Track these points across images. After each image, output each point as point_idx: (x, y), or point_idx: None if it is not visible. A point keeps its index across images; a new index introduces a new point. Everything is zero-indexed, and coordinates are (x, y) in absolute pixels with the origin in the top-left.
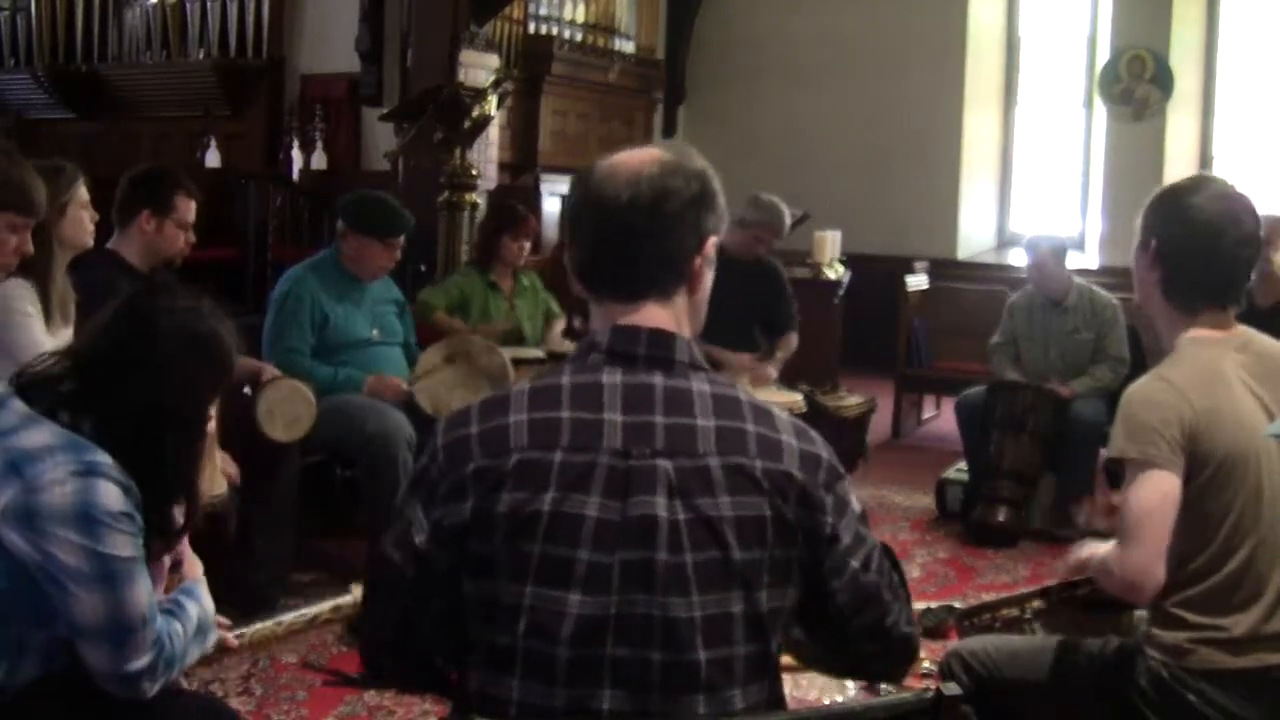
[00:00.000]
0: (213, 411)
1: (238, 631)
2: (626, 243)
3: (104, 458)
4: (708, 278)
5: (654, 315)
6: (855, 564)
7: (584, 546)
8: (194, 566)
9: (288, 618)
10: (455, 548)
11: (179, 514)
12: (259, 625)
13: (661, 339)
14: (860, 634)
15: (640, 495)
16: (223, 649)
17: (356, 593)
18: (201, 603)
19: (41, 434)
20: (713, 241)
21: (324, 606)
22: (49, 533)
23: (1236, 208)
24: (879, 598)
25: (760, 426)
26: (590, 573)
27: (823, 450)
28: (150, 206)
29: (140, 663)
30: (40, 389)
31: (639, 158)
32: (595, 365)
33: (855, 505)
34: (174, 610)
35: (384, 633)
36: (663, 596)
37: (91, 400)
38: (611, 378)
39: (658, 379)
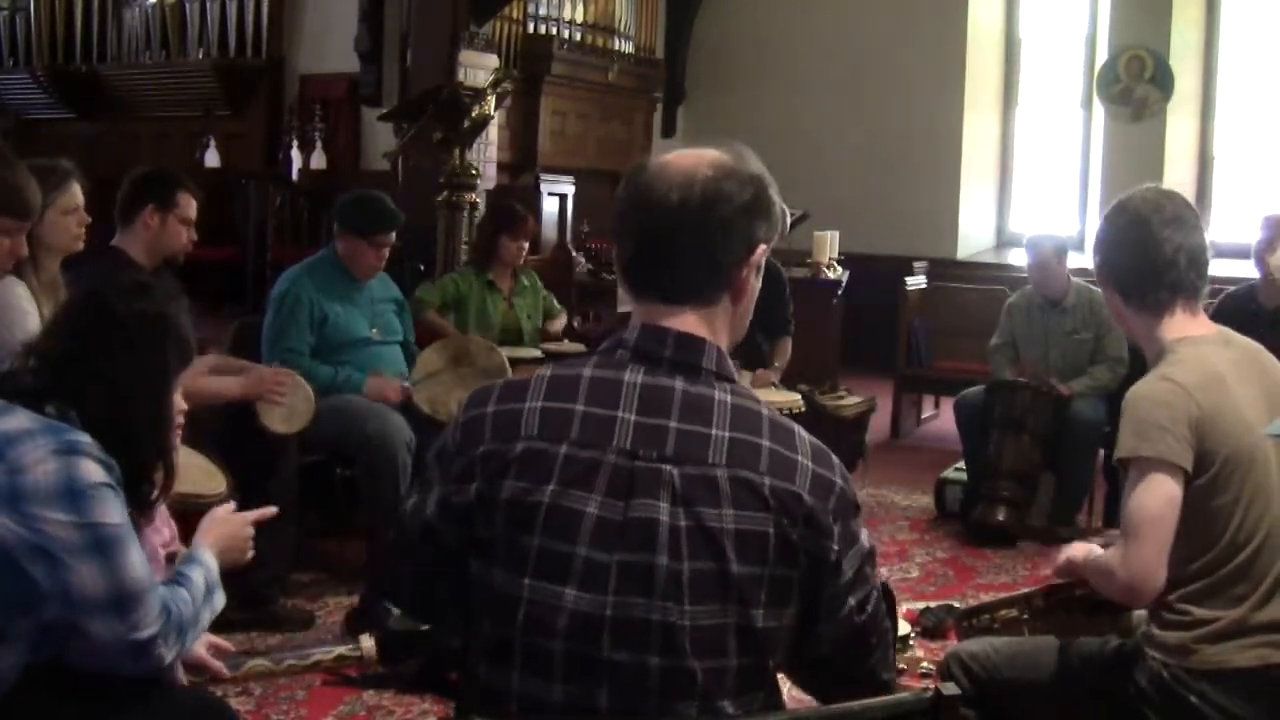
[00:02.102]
0: (183, 404)
1: (235, 661)
2: (672, 245)
3: (84, 437)
4: (754, 286)
5: (689, 321)
6: (852, 601)
7: (582, 543)
8: (203, 534)
9: (289, 658)
10: (461, 527)
11: (157, 481)
12: (258, 661)
13: (689, 344)
14: (839, 671)
15: (643, 498)
16: (214, 678)
17: (364, 645)
18: (206, 565)
19: (18, 419)
20: (762, 249)
21: (330, 652)
22: (38, 511)
23: (1159, 198)
24: (865, 641)
25: (776, 444)
26: (587, 569)
27: (838, 478)
28: (154, 201)
29: (150, 630)
30: (12, 385)
31: (693, 158)
32: (620, 362)
33: (865, 542)
34: (179, 580)
35: (400, 591)
36: (661, 601)
37: (63, 389)
38: (633, 376)
39: (679, 383)
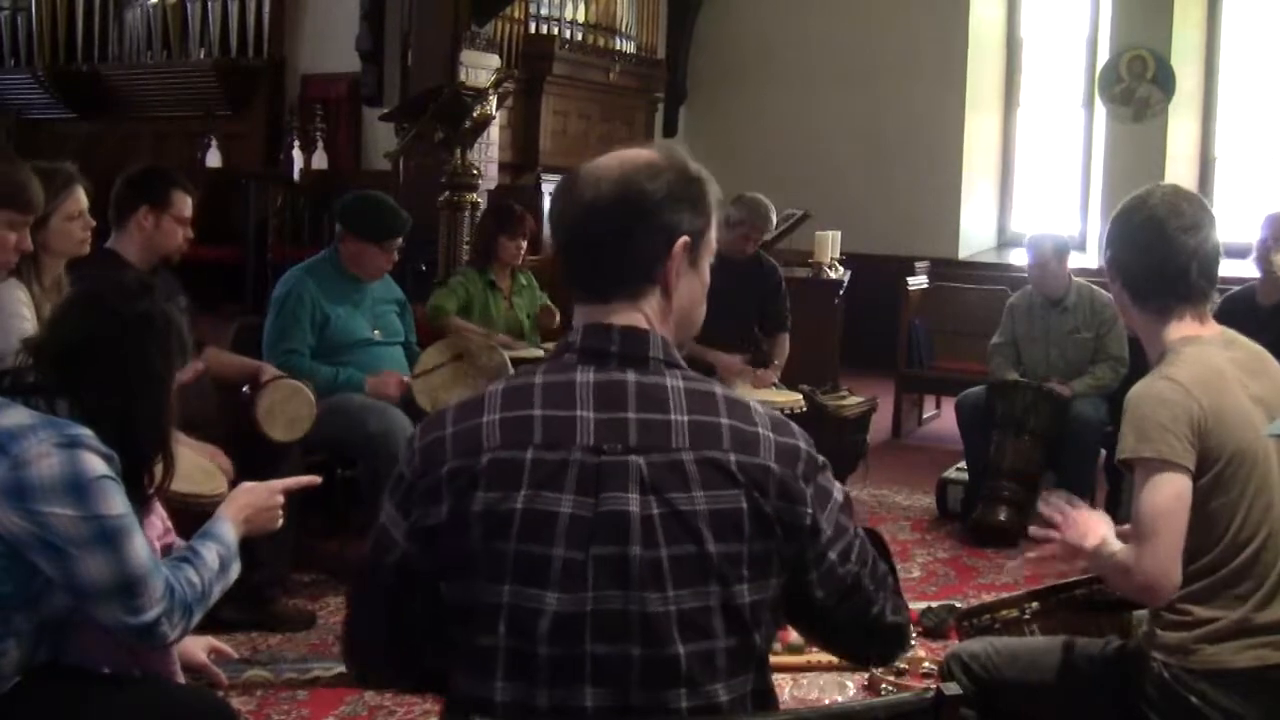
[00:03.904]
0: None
1: (236, 668)
2: (588, 244)
3: (84, 430)
4: (689, 280)
5: (625, 314)
6: (834, 555)
7: (559, 544)
8: (228, 504)
9: (289, 671)
10: (433, 550)
11: (156, 474)
12: (258, 671)
13: (634, 336)
14: (846, 624)
15: (612, 491)
16: (213, 684)
17: None
18: (221, 539)
19: (18, 414)
20: (685, 241)
21: (331, 669)
22: (43, 505)
23: (1178, 201)
24: (860, 587)
25: (735, 420)
26: (565, 570)
27: (801, 441)
28: (148, 202)
29: (153, 613)
30: (12, 382)
31: (612, 158)
32: (569, 364)
33: (837, 495)
34: (188, 557)
35: (375, 635)
36: (639, 591)
37: (64, 386)
38: (584, 376)
39: (630, 376)
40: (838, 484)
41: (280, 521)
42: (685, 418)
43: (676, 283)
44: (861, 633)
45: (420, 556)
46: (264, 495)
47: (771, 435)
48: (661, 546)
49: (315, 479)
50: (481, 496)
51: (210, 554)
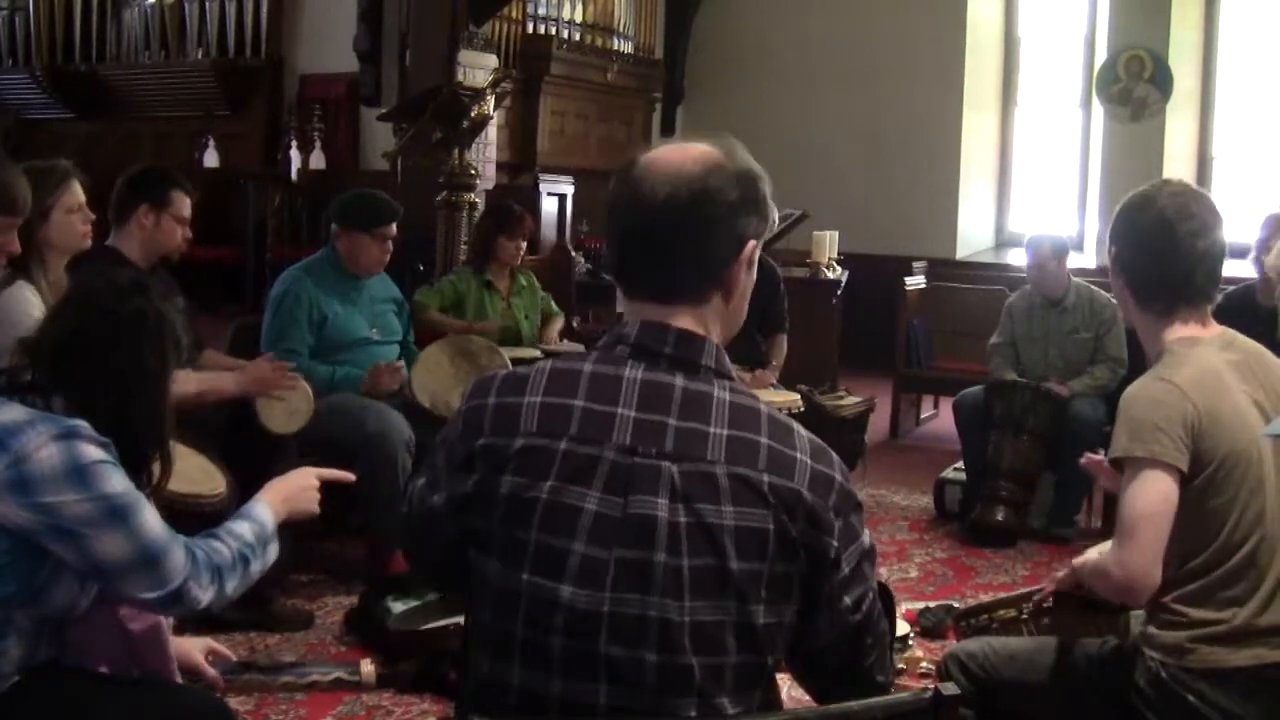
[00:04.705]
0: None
1: (233, 671)
2: (659, 244)
3: (79, 421)
4: (745, 283)
5: (684, 317)
6: (848, 600)
7: (580, 539)
8: (263, 491)
9: (286, 676)
10: (460, 516)
11: (154, 472)
12: (256, 676)
13: (689, 340)
14: (836, 669)
15: (641, 494)
16: (209, 686)
17: (364, 670)
18: (255, 519)
19: (14, 411)
20: (753, 246)
21: (329, 674)
22: (48, 496)
23: (1188, 202)
24: (860, 640)
25: (775, 441)
26: (584, 566)
27: (837, 473)
28: (147, 201)
29: (178, 579)
30: (9, 380)
31: (681, 155)
32: (619, 358)
33: (865, 540)
34: (215, 532)
35: (422, 565)
36: (659, 598)
37: (60, 384)
38: (633, 372)
39: (679, 380)
40: (868, 531)
41: (317, 506)
42: (725, 431)
43: (738, 286)
44: (846, 682)
45: (449, 518)
46: (300, 477)
47: (809, 462)
48: (684, 556)
49: (350, 476)
50: (509, 480)
51: (241, 527)
